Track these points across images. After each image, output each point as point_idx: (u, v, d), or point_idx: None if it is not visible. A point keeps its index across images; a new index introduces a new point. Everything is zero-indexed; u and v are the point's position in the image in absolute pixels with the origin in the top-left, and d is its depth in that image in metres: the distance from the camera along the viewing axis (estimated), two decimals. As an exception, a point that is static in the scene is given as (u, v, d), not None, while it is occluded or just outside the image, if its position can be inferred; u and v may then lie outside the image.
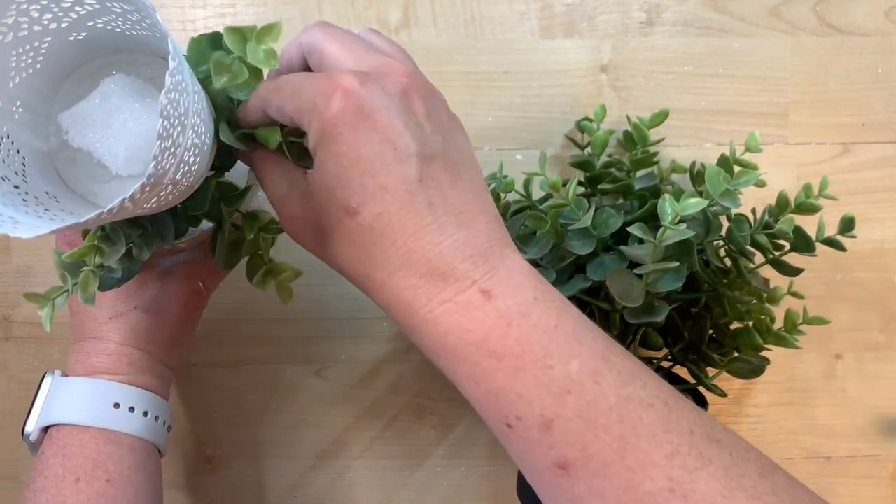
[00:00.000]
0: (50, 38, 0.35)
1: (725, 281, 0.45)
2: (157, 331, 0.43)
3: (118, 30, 0.36)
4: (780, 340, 0.45)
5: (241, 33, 0.34)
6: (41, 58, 0.36)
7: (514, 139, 0.54)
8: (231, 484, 0.56)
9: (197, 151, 0.31)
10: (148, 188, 0.28)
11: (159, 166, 0.28)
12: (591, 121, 0.51)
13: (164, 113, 0.27)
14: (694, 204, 0.37)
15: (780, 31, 0.54)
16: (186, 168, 0.31)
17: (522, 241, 0.45)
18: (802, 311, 0.46)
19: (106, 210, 0.27)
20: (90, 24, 0.35)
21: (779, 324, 0.46)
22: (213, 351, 0.55)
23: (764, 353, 0.47)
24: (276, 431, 0.56)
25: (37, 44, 0.35)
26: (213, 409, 0.55)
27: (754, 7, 0.53)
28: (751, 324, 0.47)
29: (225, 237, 0.39)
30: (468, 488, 0.56)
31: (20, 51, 0.35)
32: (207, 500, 0.56)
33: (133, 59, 0.39)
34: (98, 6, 0.34)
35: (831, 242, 0.44)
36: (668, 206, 0.38)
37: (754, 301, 0.47)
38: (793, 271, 0.45)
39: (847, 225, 0.43)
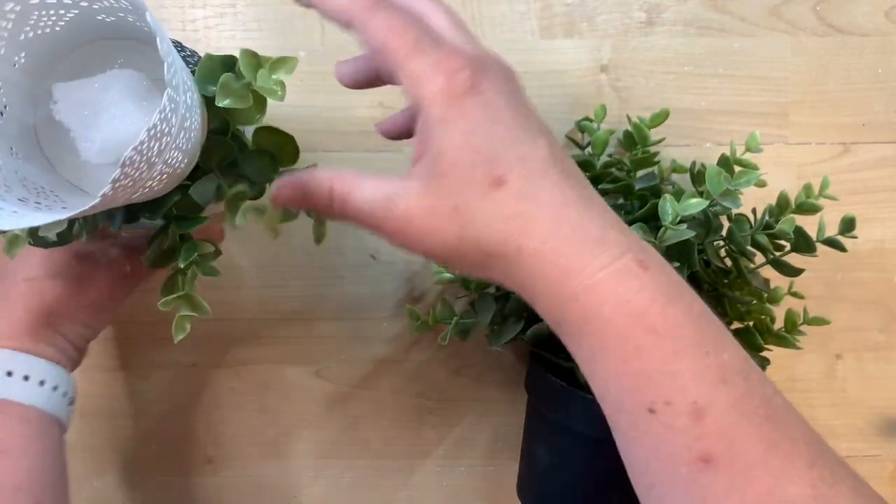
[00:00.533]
0: (77, 12, 0.35)
1: (726, 281, 0.45)
2: (67, 305, 0.41)
3: (146, 29, 0.36)
4: (781, 340, 0.45)
5: (257, 59, 0.34)
6: (63, 23, 0.36)
7: (514, 139, 0.54)
8: (231, 484, 0.56)
9: (165, 177, 0.31)
10: (98, 206, 0.28)
11: (106, 197, 0.27)
12: (591, 121, 0.51)
13: (126, 161, 0.26)
14: (694, 204, 0.37)
15: (780, 31, 0.54)
16: (147, 190, 0.31)
17: None
18: (803, 311, 0.46)
19: (61, 217, 0.28)
20: (121, 15, 0.35)
21: (779, 324, 0.46)
22: (213, 351, 0.55)
23: (764, 354, 0.47)
24: (277, 431, 0.56)
25: (62, 11, 0.35)
26: (213, 409, 0.55)
27: (754, 7, 0.53)
28: (751, 324, 0.47)
29: (164, 242, 0.38)
30: (468, 488, 0.56)
31: (43, 13, 0.34)
32: (207, 500, 0.56)
33: (151, 54, 0.39)
34: (131, 8, 0.33)
35: (832, 243, 0.44)
36: (668, 207, 0.38)
37: (755, 301, 0.47)
38: (793, 271, 0.45)
39: (848, 225, 0.43)
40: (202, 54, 0.44)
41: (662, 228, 0.38)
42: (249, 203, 0.38)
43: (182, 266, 0.38)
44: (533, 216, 0.29)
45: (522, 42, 0.53)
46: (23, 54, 0.36)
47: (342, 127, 0.53)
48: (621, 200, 0.49)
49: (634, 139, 0.49)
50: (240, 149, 0.39)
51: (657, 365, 0.27)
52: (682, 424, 0.27)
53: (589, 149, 0.51)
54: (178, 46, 0.40)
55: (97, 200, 0.27)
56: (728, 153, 0.45)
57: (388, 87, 0.53)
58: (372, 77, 0.35)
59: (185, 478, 0.56)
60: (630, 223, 0.40)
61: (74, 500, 0.56)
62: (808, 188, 0.43)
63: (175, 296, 0.38)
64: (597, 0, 0.53)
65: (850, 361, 0.56)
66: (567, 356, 0.43)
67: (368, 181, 0.31)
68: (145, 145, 0.27)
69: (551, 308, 0.29)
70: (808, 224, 0.44)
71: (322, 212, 0.33)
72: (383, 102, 0.53)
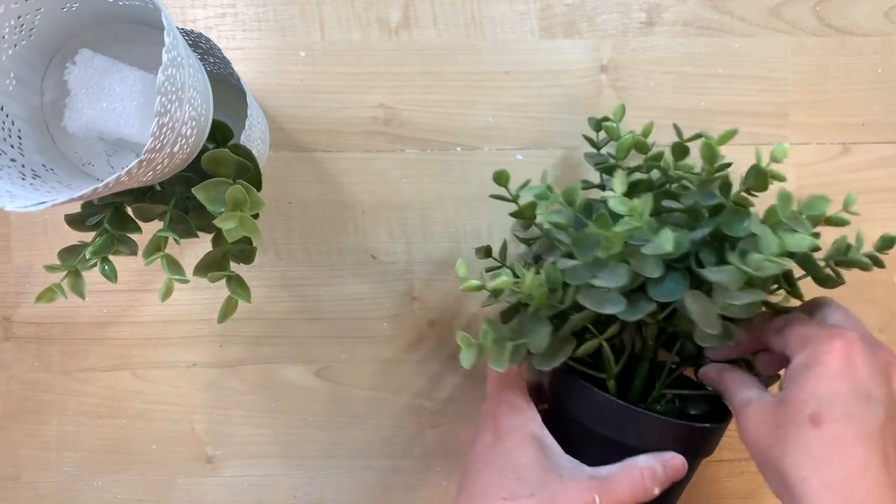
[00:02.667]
0: (43, 9, 0.35)
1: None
2: None
3: (121, 3, 0.36)
4: None
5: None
6: (33, 31, 0.36)
7: (514, 139, 0.54)
8: (231, 484, 0.56)
9: (194, 124, 0.32)
10: (145, 163, 0.29)
11: (157, 142, 0.28)
12: (611, 120, 0.49)
13: (162, 89, 0.27)
14: (806, 241, 0.35)
15: (780, 31, 0.54)
16: (184, 141, 0.31)
17: (589, 265, 0.41)
18: None
19: (102, 185, 0.28)
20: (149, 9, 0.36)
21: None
22: (213, 351, 0.55)
23: None
24: (276, 431, 0.56)
25: (29, 16, 0.35)
26: (213, 409, 0.55)
27: (754, 7, 0.53)
28: None
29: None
30: (468, 488, 0.56)
31: (12, 22, 0.35)
32: (207, 500, 0.56)
33: (127, 30, 0.40)
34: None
35: (873, 259, 0.42)
36: (770, 239, 0.35)
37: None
38: (834, 283, 0.43)
39: (887, 243, 0.43)
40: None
41: (759, 257, 0.35)
42: (168, 254, 0.38)
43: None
44: (832, 461, 0.34)
45: (522, 42, 0.53)
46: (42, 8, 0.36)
47: (342, 127, 0.54)
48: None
49: (681, 152, 0.46)
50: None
51: None
52: None
53: (608, 149, 0.50)
54: (184, 34, 0.40)
55: (148, 144, 0.28)
56: (756, 160, 0.44)
57: (389, 88, 0.53)
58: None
59: (185, 478, 0.56)
60: (700, 243, 0.39)
61: (74, 500, 0.56)
62: (849, 199, 0.42)
63: (157, 255, 0.39)
64: (597, 0, 0.53)
65: (850, 361, 0.56)
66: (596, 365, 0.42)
67: (748, 388, 0.40)
68: (169, 70, 0.28)
69: None
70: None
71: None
72: (384, 103, 0.53)
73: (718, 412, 0.46)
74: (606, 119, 0.50)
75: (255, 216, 0.37)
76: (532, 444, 0.42)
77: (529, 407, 0.45)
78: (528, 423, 0.44)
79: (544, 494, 0.40)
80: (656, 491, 0.41)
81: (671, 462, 0.42)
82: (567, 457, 0.43)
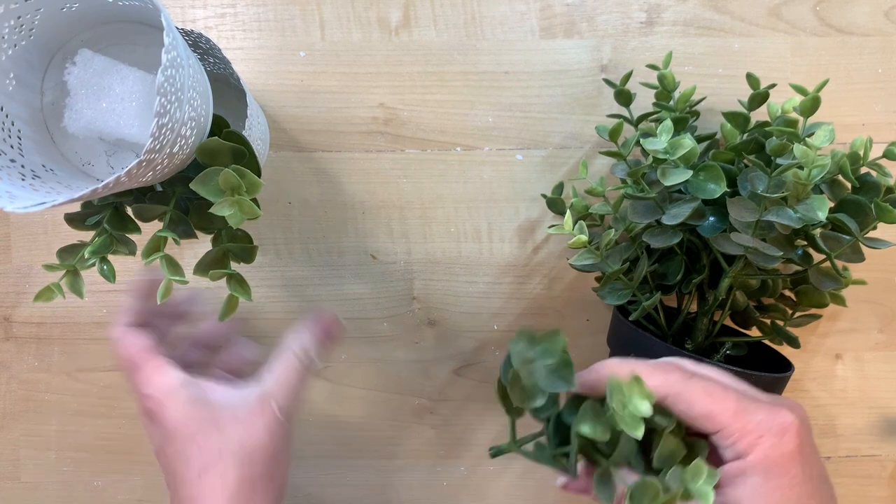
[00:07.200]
0: (42, 10, 0.35)
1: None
2: (249, 478, 0.38)
3: (121, 3, 0.36)
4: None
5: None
6: (34, 29, 0.36)
7: (514, 139, 0.54)
8: (231, 484, 0.56)
9: (193, 125, 0.32)
10: (144, 164, 0.29)
11: (156, 142, 0.28)
12: (661, 70, 0.48)
13: (161, 90, 0.27)
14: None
15: (780, 31, 0.54)
16: (183, 141, 0.31)
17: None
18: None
19: (101, 185, 0.28)
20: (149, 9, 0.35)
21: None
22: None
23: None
24: (276, 431, 0.56)
25: (29, 16, 0.35)
26: (213, 409, 0.55)
27: (754, 7, 0.53)
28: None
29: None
30: (468, 488, 0.56)
31: (12, 22, 0.35)
32: (207, 500, 0.56)
33: (126, 30, 0.40)
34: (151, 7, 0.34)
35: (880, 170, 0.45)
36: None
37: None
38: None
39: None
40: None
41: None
42: (167, 254, 0.38)
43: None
44: None
45: (522, 42, 0.53)
46: (41, 8, 0.36)
47: (342, 127, 0.54)
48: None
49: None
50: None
51: None
52: None
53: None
54: (184, 34, 0.40)
55: (147, 145, 0.28)
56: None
57: (389, 88, 0.53)
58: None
59: (186, 478, 0.56)
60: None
61: (74, 500, 0.56)
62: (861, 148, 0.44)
63: (157, 256, 0.38)
64: (597, 0, 0.53)
65: (849, 361, 0.56)
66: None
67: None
68: (169, 71, 0.28)
69: None
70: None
71: None
72: (384, 103, 0.53)
73: (780, 366, 0.47)
74: (655, 67, 0.48)
75: (254, 200, 0.37)
76: (192, 405, 0.39)
77: (172, 367, 0.40)
78: (182, 384, 0.40)
79: (232, 447, 0.38)
80: (318, 360, 0.42)
81: (319, 324, 0.43)
82: (229, 391, 0.40)
